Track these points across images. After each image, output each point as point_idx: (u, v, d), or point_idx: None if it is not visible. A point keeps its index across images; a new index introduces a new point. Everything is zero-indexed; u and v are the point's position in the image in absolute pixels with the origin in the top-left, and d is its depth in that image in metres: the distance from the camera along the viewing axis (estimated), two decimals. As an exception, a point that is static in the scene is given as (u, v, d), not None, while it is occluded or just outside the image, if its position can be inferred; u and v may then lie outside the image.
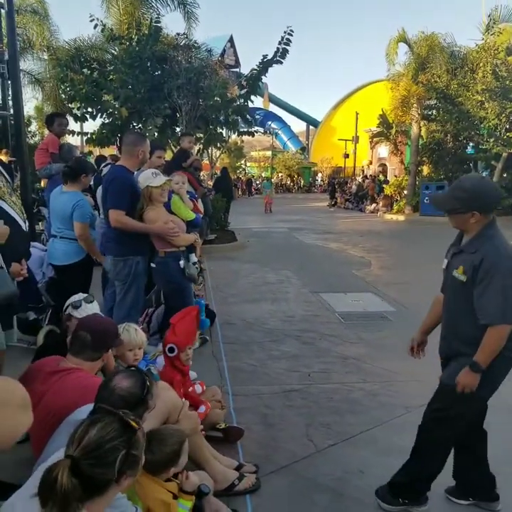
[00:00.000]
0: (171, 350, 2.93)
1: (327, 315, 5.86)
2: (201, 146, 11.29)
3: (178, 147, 7.61)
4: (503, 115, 15.97)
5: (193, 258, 4.21)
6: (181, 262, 3.99)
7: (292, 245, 11.72)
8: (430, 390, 3.68)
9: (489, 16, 20.17)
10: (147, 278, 4.06)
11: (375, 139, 23.87)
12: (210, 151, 12.38)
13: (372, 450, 2.99)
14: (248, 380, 3.96)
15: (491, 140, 16.90)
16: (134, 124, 10.57)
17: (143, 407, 1.84)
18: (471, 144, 19.76)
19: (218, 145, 11.79)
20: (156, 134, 10.16)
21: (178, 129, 11.09)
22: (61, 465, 1.28)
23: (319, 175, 46.59)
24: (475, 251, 2.20)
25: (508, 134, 16.34)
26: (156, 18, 11.21)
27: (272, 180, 44.45)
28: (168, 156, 9.26)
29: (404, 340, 4.92)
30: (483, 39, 19.31)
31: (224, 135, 11.74)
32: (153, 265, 4.07)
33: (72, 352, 2.38)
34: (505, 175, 18.25)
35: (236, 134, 11.63)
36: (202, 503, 2.15)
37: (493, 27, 19.53)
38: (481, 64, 17.40)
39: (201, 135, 11.05)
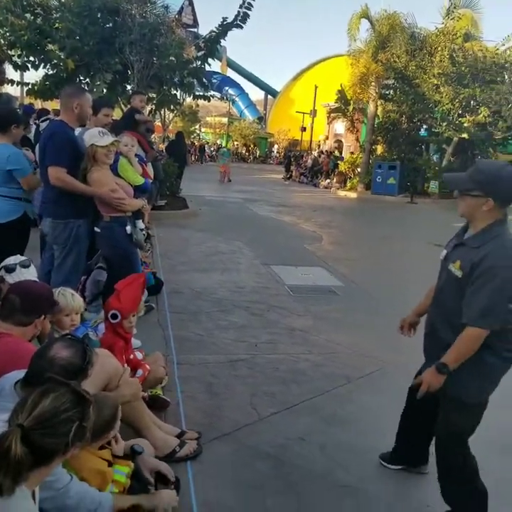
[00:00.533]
0: (114, 316, 2.84)
1: (277, 287, 5.90)
2: (153, 107, 10.88)
3: (129, 106, 7.27)
4: (457, 100, 16.39)
5: (140, 224, 4.07)
6: (128, 228, 3.83)
7: (246, 216, 11.67)
8: (370, 363, 3.85)
9: (450, 0, 20.44)
10: (89, 242, 3.88)
11: (332, 115, 23.94)
12: (162, 112, 11.96)
13: (314, 418, 3.07)
14: (194, 349, 3.93)
15: (444, 124, 17.35)
16: (81, 78, 9.98)
17: (82, 377, 1.78)
18: (424, 127, 20.23)
19: (172, 107, 11.39)
20: (104, 90, 9.63)
21: (128, 87, 10.56)
22: (12, 434, 1.24)
23: (275, 146, 46.35)
24: (478, 246, 2.05)
25: (460, 119, 16.82)
26: None
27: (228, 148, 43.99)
28: (117, 114, 8.87)
29: (349, 314, 5.12)
30: (443, 23, 19.58)
31: (178, 97, 11.35)
32: (97, 230, 3.89)
33: (1, 316, 2.24)
34: (454, 159, 18.85)
35: (191, 97, 11.26)
36: (137, 464, 2.13)
37: (453, 12, 19.80)
38: (439, 48, 17.67)
39: (154, 95, 10.63)
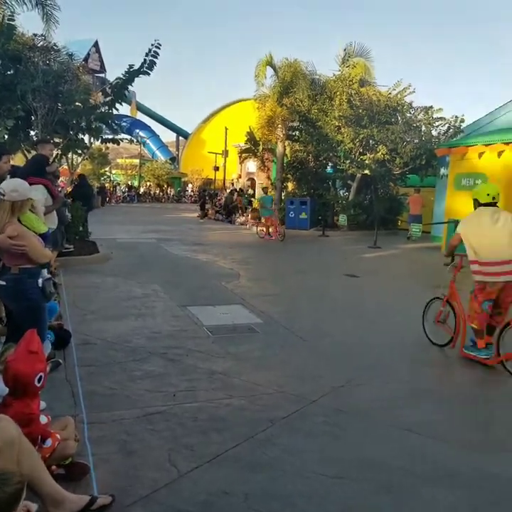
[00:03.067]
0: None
1: (195, 329, 5.74)
2: (59, 152, 10.58)
3: (35, 153, 7.04)
4: (357, 140, 17.52)
5: (45, 274, 3.80)
6: (40, 280, 3.58)
7: (160, 257, 11.42)
8: (291, 402, 3.81)
9: (345, 50, 22.20)
10: None
11: (243, 155, 24.59)
12: (71, 156, 11.64)
13: (237, 468, 2.93)
14: (106, 405, 3.65)
15: (347, 162, 18.45)
16: None
17: None
18: (330, 164, 21.40)
19: (79, 151, 11.13)
20: (6, 136, 9.29)
21: (32, 133, 10.34)
22: None
23: (189, 185, 46.67)
24: None
25: (361, 157, 17.97)
26: (10, 15, 10.33)
27: (141, 190, 43.53)
28: (21, 160, 8.47)
29: (269, 351, 5.08)
30: (339, 70, 21.15)
31: (86, 141, 11.15)
32: (1, 283, 3.58)
33: None
34: (359, 193, 20.02)
35: (99, 141, 11.09)
36: None
37: (348, 60, 21.50)
38: (338, 92, 18.98)
39: (60, 140, 10.36)
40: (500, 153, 12.18)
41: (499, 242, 4.65)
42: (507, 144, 11.95)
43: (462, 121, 16.74)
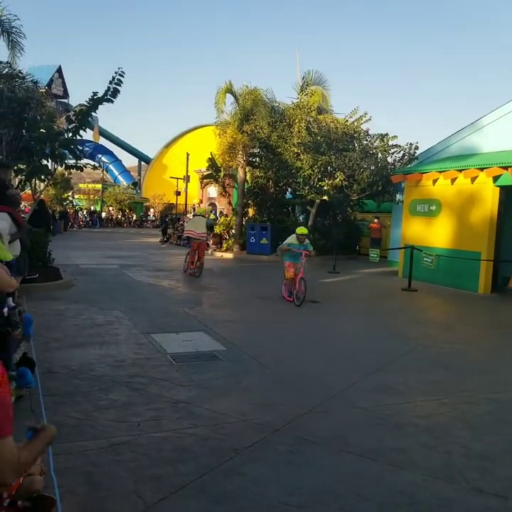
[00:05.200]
0: None
1: (158, 357, 5.78)
2: (23, 178, 10.49)
3: None
4: (316, 166, 18.01)
5: (10, 302, 3.83)
6: (5, 310, 3.60)
7: (123, 283, 11.36)
8: (256, 430, 3.91)
9: (303, 78, 23.00)
10: None
11: (204, 180, 24.82)
12: (33, 182, 11.55)
13: (203, 499, 2.98)
14: (72, 435, 3.65)
15: (306, 188, 18.94)
16: None
17: None
18: (289, 190, 21.89)
19: (43, 177, 11.06)
20: None
21: None
22: None
23: (151, 210, 46.50)
24: None
25: (320, 183, 18.47)
26: None
27: (103, 214, 42.99)
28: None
29: (232, 379, 5.18)
30: (298, 98, 21.83)
31: (50, 167, 11.09)
32: None
33: None
34: (318, 219, 20.50)
35: (63, 167, 11.07)
36: None
37: (306, 88, 22.26)
38: (297, 120, 19.53)
39: (24, 166, 10.29)
40: (453, 180, 12.74)
41: None
42: (460, 171, 12.47)
43: (416, 148, 17.49)
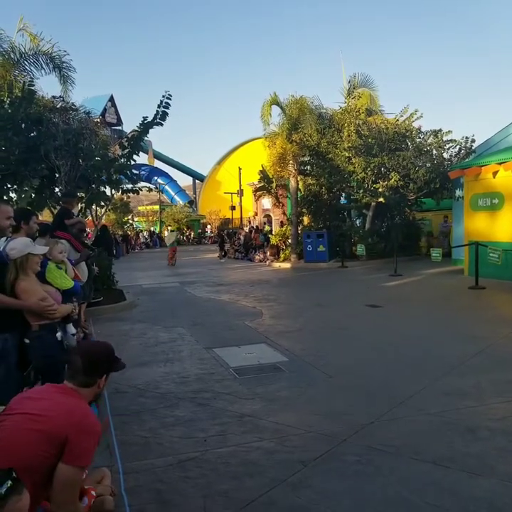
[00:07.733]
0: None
1: (221, 372, 5.80)
2: (83, 206, 11.03)
3: (59, 207, 7.39)
4: (369, 169, 17.69)
5: (71, 329, 3.96)
6: (58, 334, 3.73)
7: (184, 300, 11.60)
8: (322, 441, 3.82)
9: (349, 82, 22.79)
10: (20, 355, 3.70)
11: (258, 193, 25.02)
12: (94, 208, 12.14)
13: (272, 513, 2.95)
14: (140, 454, 3.72)
15: (360, 191, 18.61)
16: (9, 186, 10.15)
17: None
18: (343, 195, 21.58)
19: (102, 203, 11.58)
20: (32, 194, 9.79)
21: (57, 189, 10.86)
22: None
23: (208, 226, 47.50)
24: None
25: (374, 185, 18.11)
26: (30, 81, 11.02)
27: (164, 233, 44.52)
28: (48, 216, 8.87)
29: (296, 390, 5.11)
30: (345, 102, 21.63)
31: (108, 193, 11.60)
32: (26, 341, 3.74)
33: (66, 377, 2.47)
34: (376, 221, 20.07)
35: (120, 192, 11.54)
36: None
37: (353, 91, 22.03)
38: (346, 124, 19.33)
39: (83, 194, 10.82)
40: (514, 170, 12.12)
41: None
42: (521, 160, 11.89)
43: (473, 141, 16.83)
